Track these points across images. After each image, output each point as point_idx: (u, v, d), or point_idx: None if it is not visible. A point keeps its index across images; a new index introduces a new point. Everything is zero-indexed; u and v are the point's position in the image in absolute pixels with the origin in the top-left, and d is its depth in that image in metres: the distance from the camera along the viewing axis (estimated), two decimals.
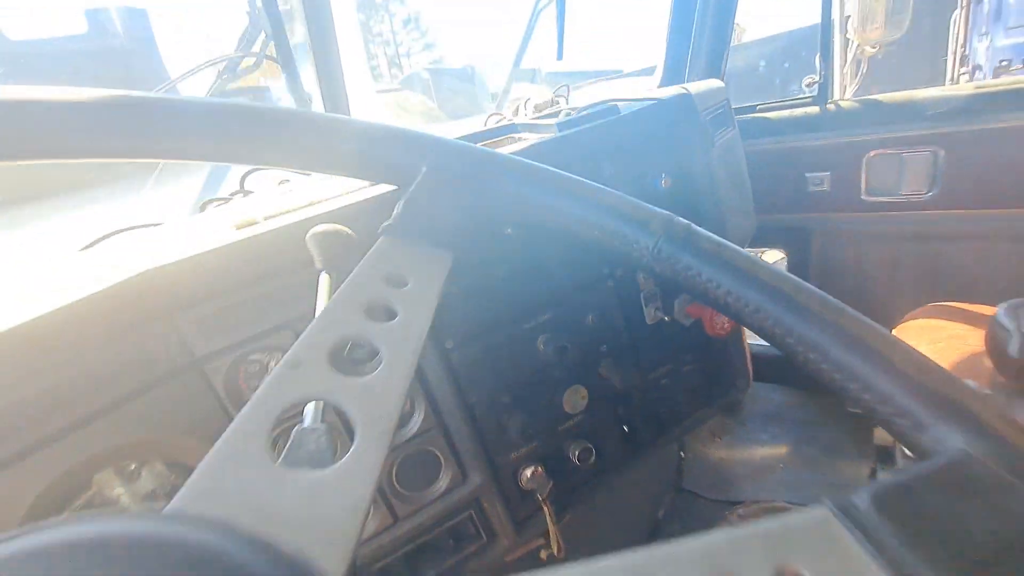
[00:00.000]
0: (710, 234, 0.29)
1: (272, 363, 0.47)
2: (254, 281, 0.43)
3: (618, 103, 0.63)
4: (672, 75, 1.35)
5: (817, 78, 1.26)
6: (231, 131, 0.30)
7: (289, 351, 0.23)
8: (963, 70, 2.83)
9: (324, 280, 0.35)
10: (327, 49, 0.69)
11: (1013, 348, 0.64)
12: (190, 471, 0.18)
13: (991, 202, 1.08)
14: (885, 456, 1.18)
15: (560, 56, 1.19)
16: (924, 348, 0.60)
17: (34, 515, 0.36)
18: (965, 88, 1.09)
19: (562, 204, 0.33)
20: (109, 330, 0.38)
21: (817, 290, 0.25)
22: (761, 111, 1.36)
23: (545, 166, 0.34)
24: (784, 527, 0.18)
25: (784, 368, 1.46)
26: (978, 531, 0.17)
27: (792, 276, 0.26)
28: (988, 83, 1.13)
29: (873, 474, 1.19)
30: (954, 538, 0.16)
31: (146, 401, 0.40)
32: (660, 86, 1.37)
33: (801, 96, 1.30)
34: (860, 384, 0.23)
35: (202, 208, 0.61)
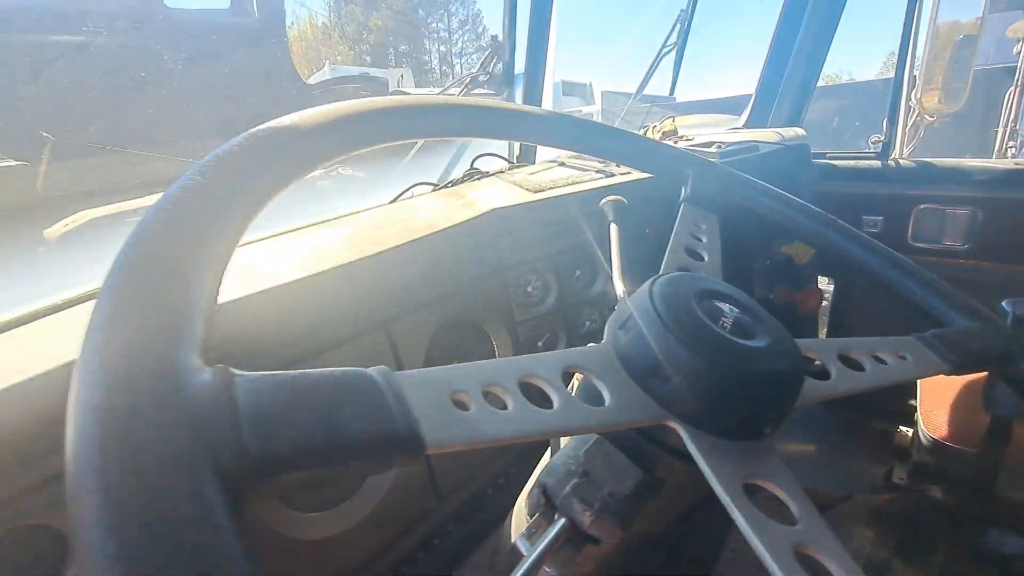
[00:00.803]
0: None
1: (549, 276, 0.72)
2: (545, 224, 0.69)
3: (757, 143, 0.88)
4: (758, 117, 1.60)
5: (883, 137, 1.51)
6: (586, 134, 0.56)
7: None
8: (1011, 144, 3.04)
9: (614, 229, 0.60)
10: (537, 73, 0.96)
11: None
12: None
13: (1019, 259, 1.31)
14: (902, 456, 1.40)
15: (672, 92, 1.45)
16: None
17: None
18: (1006, 163, 1.33)
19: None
20: (469, 247, 0.65)
21: None
22: (830, 159, 1.60)
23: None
24: (572, 351, 0.32)
25: None
26: None
27: None
28: None
29: (888, 474, 1.41)
30: None
31: (475, 289, 0.66)
32: (746, 126, 1.62)
33: (866, 151, 1.55)
34: None
35: (440, 186, 0.88)
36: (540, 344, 0.78)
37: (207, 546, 0.15)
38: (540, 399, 0.29)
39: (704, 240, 0.53)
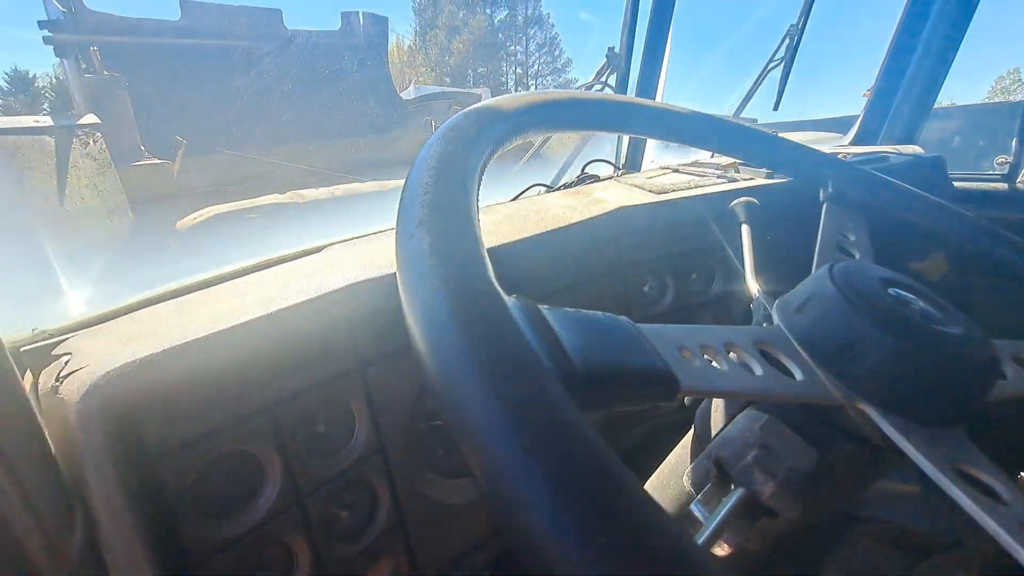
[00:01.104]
0: None
1: (667, 277, 0.73)
2: (666, 225, 0.70)
3: (885, 154, 0.85)
4: (867, 135, 1.53)
5: (1010, 159, 1.40)
6: (732, 137, 0.57)
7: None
8: None
9: (746, 230, 0.60)
10: (651, 85, 0.99)
11: None
12: None
13: None
14: None
15: (777, 107, 1.42)
16: None
17: None
18: None
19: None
20: (593, 242, 0.67)
21: None
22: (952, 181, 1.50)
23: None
24: (757, 329, 0.34)
25: None
26: None
27: None
28: None
29: None
30: None
31: (596, 283, 0.68)
32: (852, 143, 1.55)
33: (991, 172, 1.44)
34: None
35: (555, 187, 0.91)
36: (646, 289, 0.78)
37: (568, 423, 0.18)
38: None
39: (853, 238, 0.52)
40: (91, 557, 0.35)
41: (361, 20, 2.87)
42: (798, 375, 0.32)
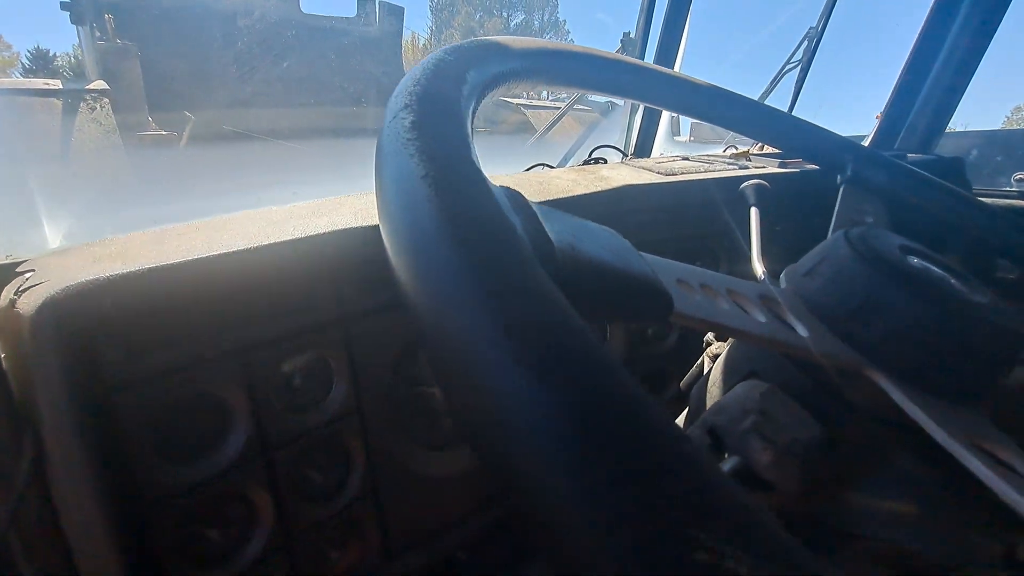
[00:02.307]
0: None
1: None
2: (673, 207, 0.68)
3: (903, 153, 0.82)
4: (883, 143, 1.50)
5: None
6: (754, 114, 0.54)
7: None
8: None
9: (755, 212, 0.58)
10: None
11: None
12: None
13: None
14: None
15: (792, 109, 1.40)
16: None
17: None
18: None
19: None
20: (599, 217, 0.64)
21: None
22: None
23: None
24: (763, 285, 0.33)
25: None
26: None
27: None
28: None
29: (1011, 551, 1.24)
30: None
31: None
32: None
33: (1008, 189, 1.41)
34: None
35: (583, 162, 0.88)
36: (649, 332, 0.76)
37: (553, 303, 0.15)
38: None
39: (870, 220, 0.50)
40: (38, 488, 0.32)
41: (377, 9, 2.87)
42: (804, 333, 0.30)
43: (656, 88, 0.50)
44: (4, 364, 0.31)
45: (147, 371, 0.34)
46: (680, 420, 0.48)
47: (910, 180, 0.57)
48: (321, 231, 0.41)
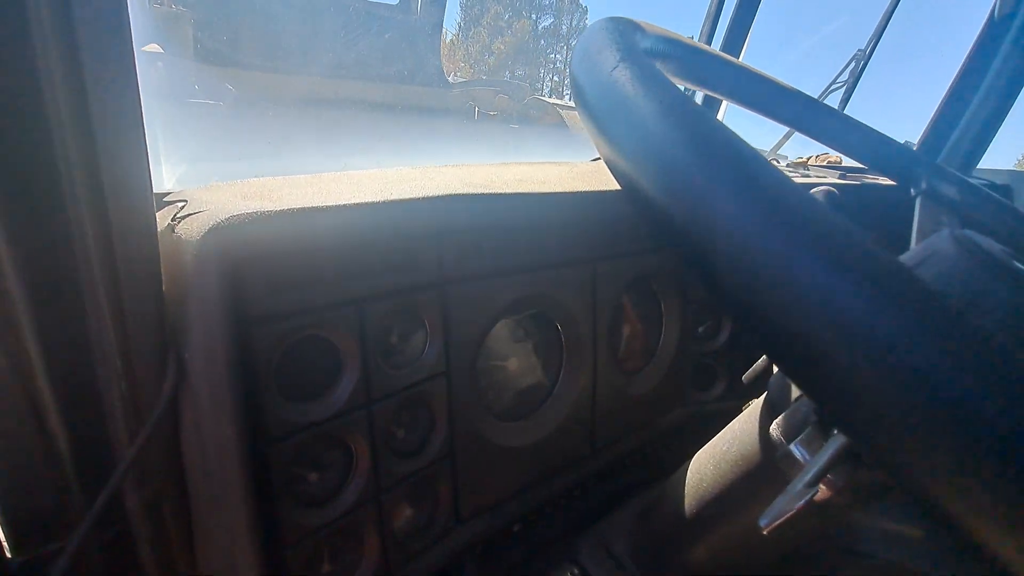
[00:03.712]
0: None
1: None
2: None
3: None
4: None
5: None
6: (845, 129, 0.56)
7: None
8: None
9: None
10: None
11: None
12: None
13: None
14: None
15: None
16: None
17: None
18: None
19: None
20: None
21: None
22: None
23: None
24: None
25: None
26: None
27: None
28: None
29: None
30: None
31: (656, 253, 0.67)
32: None
33: None
34: None
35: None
36: (700, 330, 0.77)
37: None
38: None
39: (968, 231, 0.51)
40: (172, 410, 0.34)
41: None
42: None
43: (765, 96, 0.51)
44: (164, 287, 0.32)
45: (281, 309, 0.36)
46: (750, 411, 0.49)
47: (980, 199, 0.58)
48: (430, 195, 0.43)
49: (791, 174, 0.79)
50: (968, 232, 0.36)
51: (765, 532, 0.31)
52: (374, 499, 0.44)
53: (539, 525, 0.63)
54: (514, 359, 0.58)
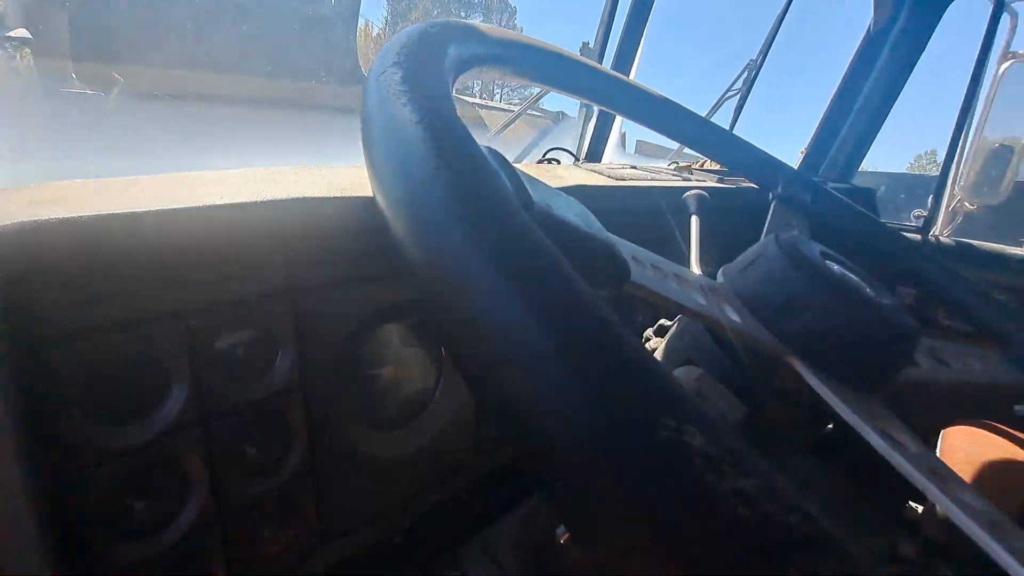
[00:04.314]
0: None
1: None
2: (623, 211, 0.71)
3: (825, 180, 0.90)
4: (809, 171, 1.64)
5: (926, 213, 1.54)
6: (701, 130, 0.59)
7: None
8: None
9: (695, 220, 0.62)
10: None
11: None
12: None
13: None
14: (911, 530, 1.37)
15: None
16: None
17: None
18: None
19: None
20: None
21: None
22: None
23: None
24: (706, 278, 0.37)
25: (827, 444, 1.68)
26: None
27: None
28: None
29: (893, 549, 1.38)
30: None
31: None
32: None
33: (908, 224, 1.58)
34: None
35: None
36: None
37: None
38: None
39: (796, 232, 0.55)
40: None
41: None
42: (737, 320, 0.33)
43: (624, 98, 0.52)
44: None
45: (83, 326, 0.32)
46: None
47: (830, 202, 0.63)
48: (274, 197, 0.41)
49: (674, 177, 0.83)
50: (792, 236, 0.39)
51: None
52: (218, 522, 0.41)
53: (421, 536, 0.62)
54: (391, 367, 0.56)
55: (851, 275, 0.37)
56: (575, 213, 0.26)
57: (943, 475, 0.28)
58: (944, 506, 0.26)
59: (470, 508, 0.67)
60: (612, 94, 0.52)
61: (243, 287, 0.40)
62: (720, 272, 0.41)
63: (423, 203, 0.17)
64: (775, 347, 0.33)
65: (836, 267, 0.37)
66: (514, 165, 0.24)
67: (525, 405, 0.13)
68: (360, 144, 0.24)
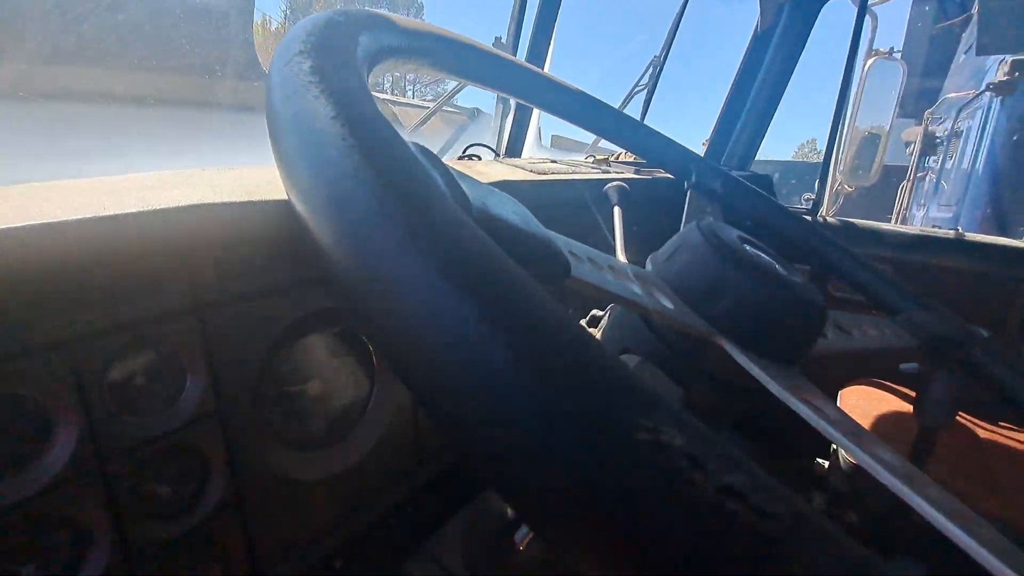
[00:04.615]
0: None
1: None
2: (546, 204, 0.71)
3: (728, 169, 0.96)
4: (712, 161, 1.75)
5: (814, 196, 1.70)
6: (614, 121, 0.60)
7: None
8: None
9: (617, 211, 0.64)
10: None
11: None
12: None
13: None
14: (821, 485, 1.51)
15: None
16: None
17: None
18: (915, 229, 1.54)
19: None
20: None
21: None
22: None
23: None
24: (636, 267, 0.39)
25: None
26: None
27: None
28: (928, 229, 1.59)
29: (807, 501, 1.51)
30: None
31: None
32: None
33: (799, 206, 1.73)
34: None
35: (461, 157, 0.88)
36: None
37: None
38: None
39: (711, 219, 0.58)
40: None
41: None
42: (669, 306, 0.33)
43: (544, 92, 0.52)
44: None
45: None
46: None
47: (737, 188, 0.66)
48: (172, 205, 0.36)
49: (593, 169, 0.85)
50: (712, 223, 0.41)
51: None
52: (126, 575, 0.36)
53: (364, 553, 0.59)
54: (317, 381, 0.53)
55: (764, 256, 0.39)
56: (512, 211, 0.25)
57: (860, 434, 0.30)
58: (863, 462, 0.28)
59: (416, 517, 0.64)
60: (531, 88, 0.51)
61: (140, 308, 0.36)
62: (648, 260, 0.41)
63: (349, 206, 0.15)
64: (704, 329, 0.34)
65: (752, 250, 0.39)
66: (445, 161, 0.23)
67: (497, 426, 0.12)
68: (268, 142, 0.21)
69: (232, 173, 0.50)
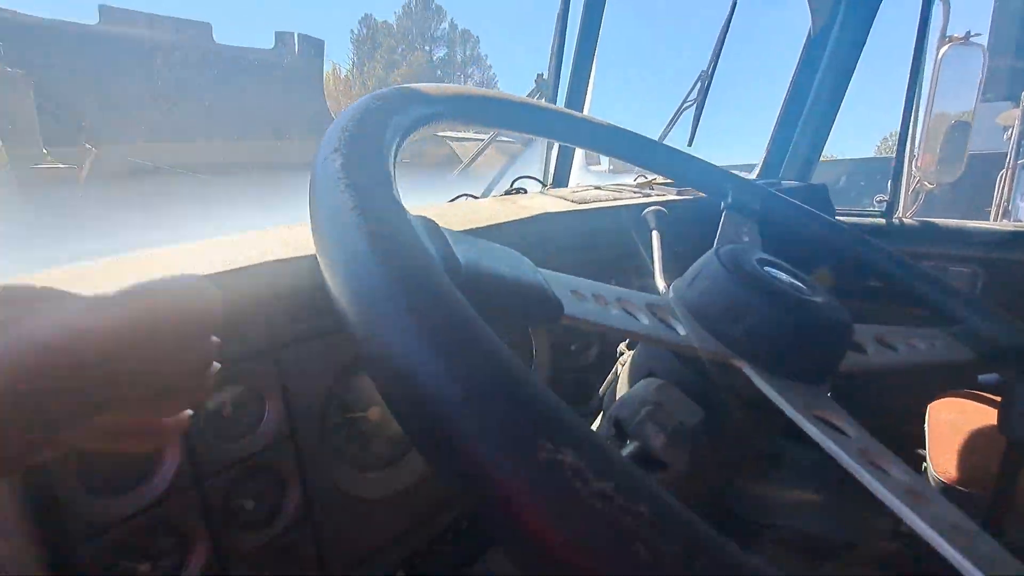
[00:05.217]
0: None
1: None
2: (587, 232, 0.75)
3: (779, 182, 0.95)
4: (768, 175, 1.70)
5: (887, 197, 1.60)
6: (647, 150, 0.62)
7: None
8: (1004, 221, 3.19)
9: (655, 235, 0.65)
10: (577, 107, 1.06)
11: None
12: None
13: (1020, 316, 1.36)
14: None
15: (691, 143, 1.55)
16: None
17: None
18: (1007, 225, 1.41)
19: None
20: (520, 244, 0.70)
21: None
22: (837, 214, 1.68)
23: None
24: (651, 296, 0.36)
25: None
26: None
27: None
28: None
29: (897, 523, 1.40)
30: None
31: None
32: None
33: (871, 209, 1.64)
34: None
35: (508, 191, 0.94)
36: (572, 348, 0.81)
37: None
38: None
39: (746, 239, 0.58)
40: None
41: (296, 41, 2.85)
42: (682, 332, 0.35)
43: (565, 128, 0.56)
44: None
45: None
46: (598, 422, 0.53)
47: (778, 205, 0.66)
48: (249, 263, 0.43)
49: (636, 193, 0.87)
50: (732, 248, 0.42)
51: None
52: None
53: (425, 566, 0.63)
54: (376, 408, 0.58)
55: (785, 277, 0.40)
56: (505, 262, 0.29)
57: (871, 451, 0.30)
58: (865, 481, 0.28)
59: (471, 534, 0.68)
60: (552, 126, 0.55)
61: (227, 351, 0.43)
62: (671, 287, 0.44)
63: (359, 283, 0.20)
64: (721, 353, 0.36)
65: (771, 272, 0.40)
66: (445, 230, 0.27)
67: (451, 439, 0.16)
68: None
69: (299, 228, 0.58)
